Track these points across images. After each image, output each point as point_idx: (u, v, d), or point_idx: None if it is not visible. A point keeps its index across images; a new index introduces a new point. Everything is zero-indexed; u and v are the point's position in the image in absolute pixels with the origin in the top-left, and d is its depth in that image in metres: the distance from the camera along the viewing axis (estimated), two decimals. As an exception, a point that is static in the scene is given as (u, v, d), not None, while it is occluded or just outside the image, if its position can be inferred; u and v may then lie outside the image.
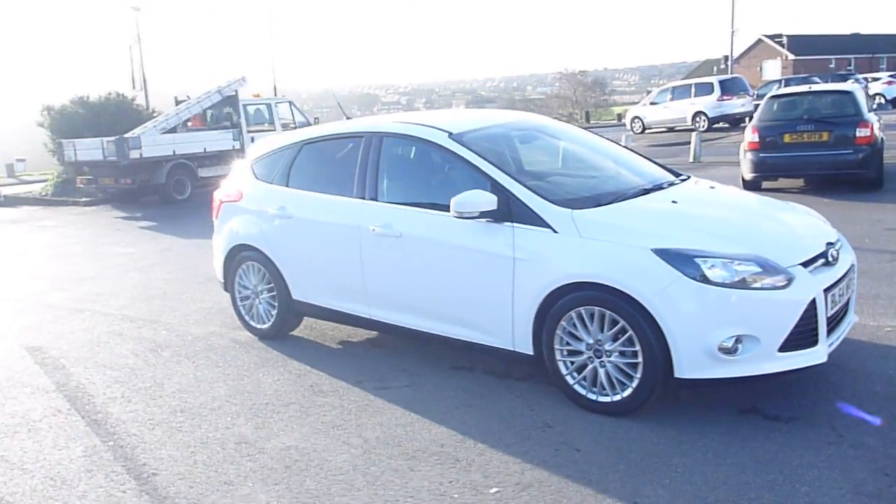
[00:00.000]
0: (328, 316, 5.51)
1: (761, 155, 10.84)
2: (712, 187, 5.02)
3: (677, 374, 3.76)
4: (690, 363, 3.72)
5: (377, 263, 4.93)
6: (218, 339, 6.01)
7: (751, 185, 10.90)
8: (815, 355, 3.82)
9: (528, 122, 5.77)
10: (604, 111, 56.72)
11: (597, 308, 3.94)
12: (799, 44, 65.48)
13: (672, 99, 27.79)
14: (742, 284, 3.70)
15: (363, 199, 5.02)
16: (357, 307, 5.17)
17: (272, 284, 5.68)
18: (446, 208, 4.45)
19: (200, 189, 16.63)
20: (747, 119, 20.61)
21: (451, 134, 4.77)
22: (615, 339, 3.92)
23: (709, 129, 25.47)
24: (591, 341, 4.01)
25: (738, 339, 3.69)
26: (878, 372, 4.38)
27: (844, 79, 32.17)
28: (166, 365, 5.46)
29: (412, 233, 4.72)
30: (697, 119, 26.54)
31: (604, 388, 4.04)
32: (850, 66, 60.11)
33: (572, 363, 4.13)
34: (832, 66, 60.91)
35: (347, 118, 6.18)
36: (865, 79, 36.86)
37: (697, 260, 3.74)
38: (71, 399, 4.86)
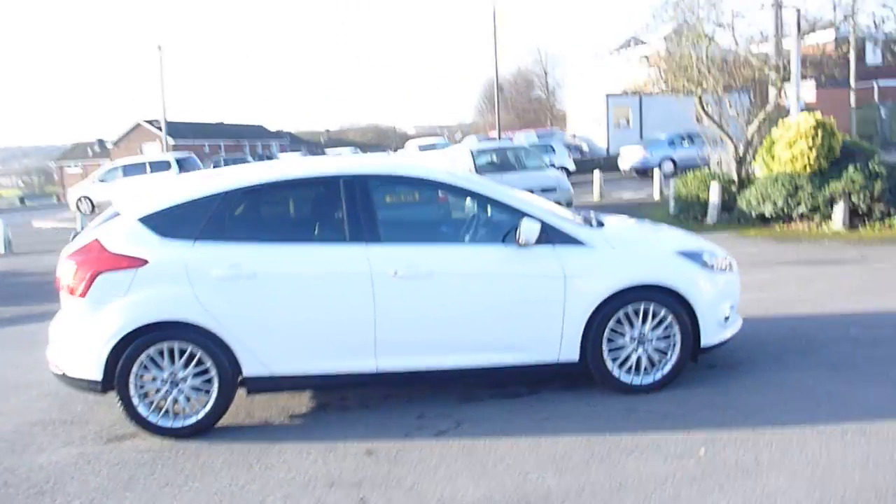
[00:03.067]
0: (304, 384, 4.86)
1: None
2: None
3: (703, 344, 5.03)
4: (709, 333, 5.05)
5: (396, 308, 4.73)
6: (111, 457, 4.49)
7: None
8: (739, 321, 5.54)
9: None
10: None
11: (642, 304, 4.91)
12: (175, 129, 69.32)
13: (125, 176, 27.06)
14: (726, 268, 5.22)
15: (362, 243, 4.74)
16: (359, 363, 4.77)
17: (207, 364, 4.64)
18: (462, 241, 4.75)
19: None
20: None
21: (446, 173, 5.01)
22: (655, 327, 4.95)
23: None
24: (635, 334, 4.94)
25: (730, 309, 5.18)
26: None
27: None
28: None
29: (443, 269, 4.78)
30: (156, 195, 26.48)
31: (646, 371, 4.99)
32: (220, 150, 66.98)
33: (616, 358, 4.96)
34: (206, 150, 66.69)
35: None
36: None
37: (703, 255, 5.11)
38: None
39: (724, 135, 14.78)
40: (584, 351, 4.92)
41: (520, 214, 4.89)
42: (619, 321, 4.92)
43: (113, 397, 5.22)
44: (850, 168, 11.80)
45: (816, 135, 11.99)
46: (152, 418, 4.68)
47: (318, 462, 4.28)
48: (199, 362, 4.65)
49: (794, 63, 13.52)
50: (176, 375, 4.65)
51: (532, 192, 13.71)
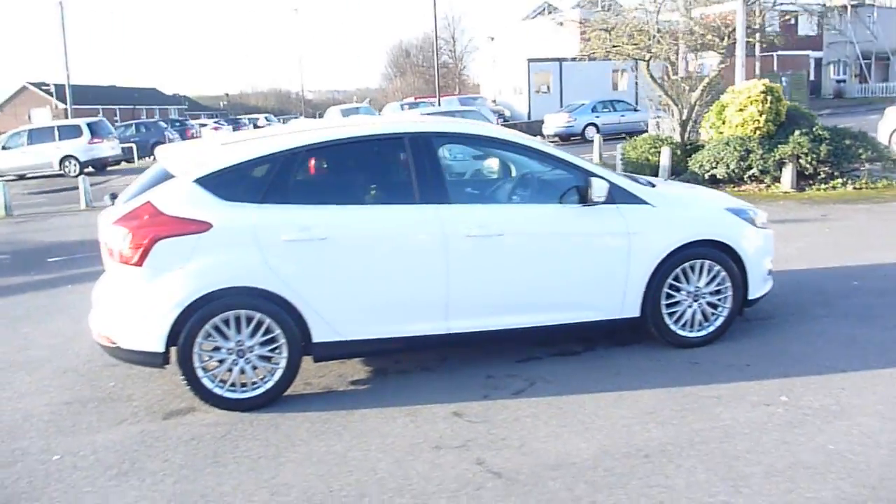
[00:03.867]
0: (375, 349, 4.71)
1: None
2: None
3: (750, 297, 5.21)
4: (756, 287, 5.24)
5: (468, 269, 4.66)
6: (175, 432, 4.25)
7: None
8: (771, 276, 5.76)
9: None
10: None
11: (698, 261, 5.04)
12: (66, 92, 65.09)
13: (30, 143, 25.27)
14: (765, 225, 5.40)
15: (433, 203, 4.62)
16: (429, 325, 4.68)
17: (276, 332, 4.43)
18: (528, 201, 4.75)
19: None
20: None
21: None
22: (709, 282, 5.09)
23: (80, 174, 24.26)
24: (691, 289, 5.07)
25: (770, 263, 5.38)
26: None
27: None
28: None
29: (515, 229, 4.73)
30: (66, 164, 24.94)
31: (700, 325, 5.14)
32: (116, 116, 63.36)
33: (672, 313, 5.07)
34: (100, 114, 62.98)
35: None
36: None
37: (748, 212, 5.28)
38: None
39: (669, 100, 15.21)
40: (645, 307, 5.00)
41: (584, 173, 4.89)
42: (675, 277, 5.03)
43: (145, 371, 4.98)
44: (796, 132, 12.39)
45: (765, 100, 12.52)
46: (218, 390, 4.44)
47: (410, 426, 4.20)
48: (267, 330, 4.43)
49: (739, 31, 14.03)
50: (242, 344, 4.42)
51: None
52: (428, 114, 18.18)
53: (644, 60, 15.07)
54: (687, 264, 5.03)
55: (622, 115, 29.01)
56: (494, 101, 38.26)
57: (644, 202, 4.98)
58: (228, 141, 4.83)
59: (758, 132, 12.60)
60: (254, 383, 4.49)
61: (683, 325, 5.12)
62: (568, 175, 4.93)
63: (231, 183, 4.46)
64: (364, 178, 4.82)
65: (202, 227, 4.33)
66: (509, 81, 37.10)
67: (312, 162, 4.70)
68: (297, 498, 3.51)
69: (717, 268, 5.08)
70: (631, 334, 5.30)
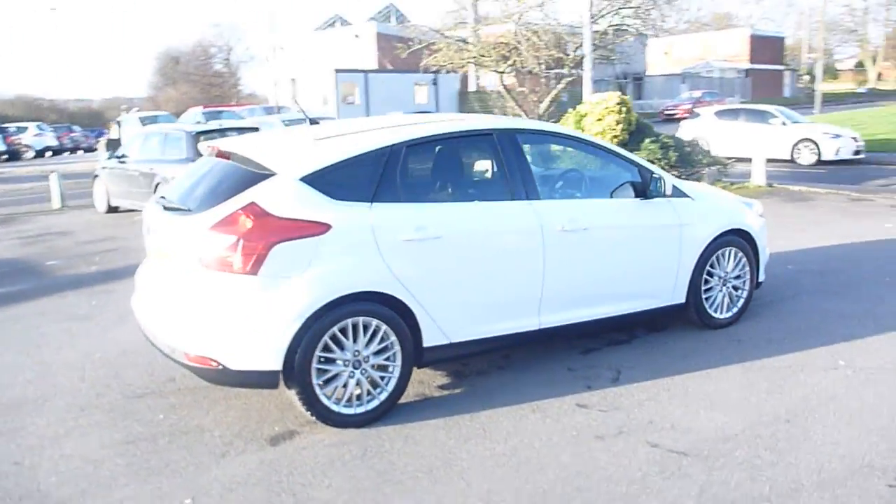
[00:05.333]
0: (476, 350, 4.60)
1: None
2: None
3: (759, 279, 5.84)
4: (762, 270, 5.88)
5: (560, 263, 4.74)
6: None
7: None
8: None
9: None
10: None
11: (727, 248, 5.55)
12: None
13: None
14: (762, 215, 6.07)
15: (527, 199, 4.65)
16: (524, 322, 4.69)
17: (391, 339, 4.20)
18: (602, 196, 5.03)
19: None
20: None
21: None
22: (734, 268, 5.63)
23: None
24: (722, 275, 5.58)
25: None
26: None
27: None
28: None
29: (597, 223, 4.90)
30: None
31: (727, 308, 5.65)
32: None
33: (707, 298, 5.54)
34: None
35: (312, 121, 4.84)
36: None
37: (752, 205, 5.91)
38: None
39: (521, 110, 16.10)
40: (689, 293, 5.40)
41: (643, 169, 5.19)
42: (711, 264, 5.49)
43: (181, 399, 4.51)
44: (646, 140, 13.77)
45: (621, 110, 13.76)
46: (334, 406, 4.09)
47: (548, 420, 4.19)
48: (382, 338, 4.17)
49: (586, 46, 15.25)
50: (359, 355, 4.12)
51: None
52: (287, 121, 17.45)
53: (500, 72, 15.82)
54: (720, 252, 5.51)
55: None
56: (301, 111, 37.46)
57: (686, 195, 5.38)
58: (322, 136, 4.45)
59: (615, 139, 13.77)
60: (368, 396, 4.19)
61: (716, 309, 5.59)
62: (628, 171, 5.18)
63: (339, 181, 4.14)
64: (464, 174, 4.72)
65: (321, 228, 3.98)
66: (314, 91, 36.59)
67: (412, 158, 4.48)
68: (515, 498, 3.39)
69: (740, 254, 5.63)
70: (656, 321, 5.66)
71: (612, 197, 5.12)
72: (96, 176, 13.76)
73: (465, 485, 3.54)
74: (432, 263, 4.28)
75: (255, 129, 13.32)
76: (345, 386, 4.11)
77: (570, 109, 14.83)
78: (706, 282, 5.49)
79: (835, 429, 3.96)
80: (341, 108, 34.14)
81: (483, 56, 15.53)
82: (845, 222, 9.91)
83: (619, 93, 14.20)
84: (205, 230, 3.93)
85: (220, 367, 3.91)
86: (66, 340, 5.99)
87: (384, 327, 4.15)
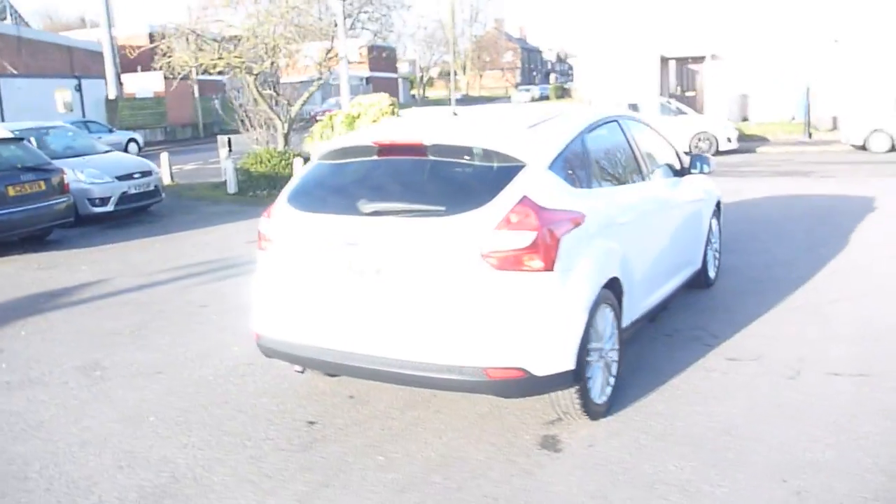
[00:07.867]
0: (635, 328, 4.75)
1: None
2: None
3: (719, 242, 6.98)
4: (717, 234, 7.02)
5: (667, 236, 5.20)
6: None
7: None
8: None
9: None
10: None
11: (715, 218, 6.54)
12: None
13: None
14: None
15: (648, 181, 5.03)
16: (656, 296, 5.02)
17: (613, 325, 4.25)
18: (662, 175, 5.66)
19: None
20: None
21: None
22: (716, 235, 6.64)
23: None
24: (713, 240, 6.53)
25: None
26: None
27: None
28: None
29: (673, 200, 5.45)
30: None
31: (714, 268, 6.64)
32: None
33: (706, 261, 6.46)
34: None
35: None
36: None
37: None
38: None
39: (273, 114, 15.47)
40: (704, 257, 6.24)
41: (675, 150, 5.84)
42: (710, 231, 6.40)
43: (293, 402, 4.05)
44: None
45: (393, 112, 14.25)
46: (594, 398, 4.00)
47: (743, 381, 4.62)
48: (612, 324, 4.19)
49: (342, 52, 15.28)
50: (602, 342, 4.08)
51: (132, 176, 12.00)
52: None
53: (252, 74, 14.98)
54: (713, 220, 6.46)
55: (100, 138, 26.67)
56: None
57: (692, 173, 6.20)
58: (535, 122, 4.20)
59: (393, 139, 14.26)
60: (608, 385, 4.17)
61: (710, 268, 6.54)
62: (668, 151, 5.79)
63: (566, 167, 4.05)
64: (619, 158, 4.81)
65: (580, 218, 3.87)
66: None
67: (588, 143, 4.44)
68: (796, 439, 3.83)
69: (717, 222, 6.66)
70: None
71: (672, 175, 5.63)
72: None
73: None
74: (632, 244, 4.41)
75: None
76: (595, 374, 4.04)
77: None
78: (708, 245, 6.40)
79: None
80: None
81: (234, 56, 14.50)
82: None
83: (387, 94, 14.66)
84: (489, 230, 3.54)
85: (527, 375, 3.58)
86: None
87: (611, 313, 4.17)
